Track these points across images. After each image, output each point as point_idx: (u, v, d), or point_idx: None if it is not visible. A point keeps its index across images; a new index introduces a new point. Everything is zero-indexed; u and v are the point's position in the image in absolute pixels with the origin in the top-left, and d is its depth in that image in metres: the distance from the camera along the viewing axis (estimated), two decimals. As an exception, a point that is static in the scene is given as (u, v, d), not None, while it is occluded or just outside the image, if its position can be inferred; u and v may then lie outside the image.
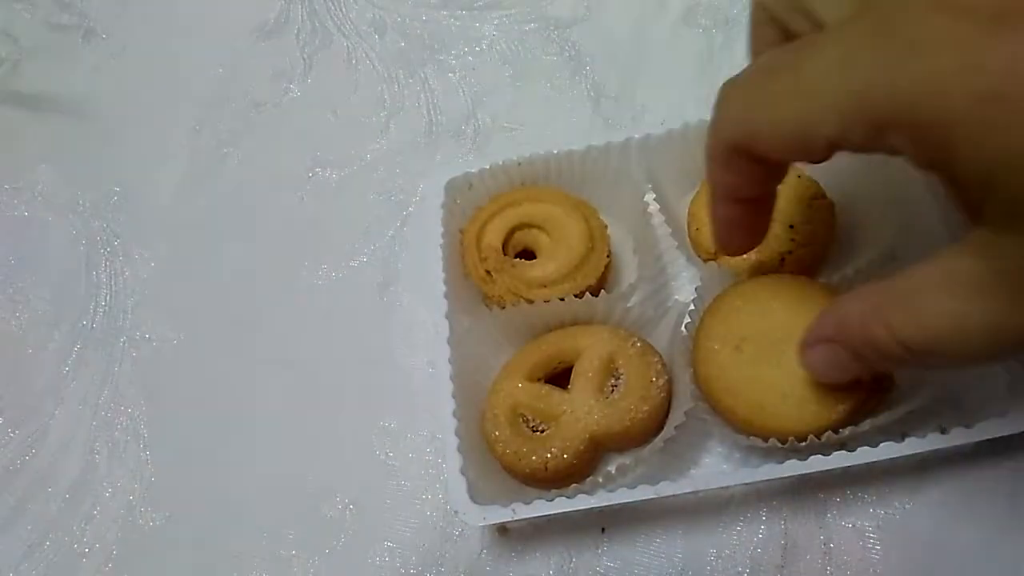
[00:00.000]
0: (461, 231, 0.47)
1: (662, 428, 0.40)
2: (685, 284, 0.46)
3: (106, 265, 0.57)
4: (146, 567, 0.46)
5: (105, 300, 0.55)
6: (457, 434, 0.40)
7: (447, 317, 0.43)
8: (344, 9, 0.64)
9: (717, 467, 0.41)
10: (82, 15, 0.69)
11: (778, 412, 0.37)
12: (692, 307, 0.42)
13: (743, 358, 0.38)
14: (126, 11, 0.68)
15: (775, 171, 0.32)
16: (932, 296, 0.26)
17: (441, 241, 0.46)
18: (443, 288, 0.44)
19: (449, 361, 0.42)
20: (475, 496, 0.39)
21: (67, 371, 0.53)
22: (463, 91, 0.59)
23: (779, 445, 0.37)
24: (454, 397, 0.41)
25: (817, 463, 0.36)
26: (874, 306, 0.28)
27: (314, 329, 0.51)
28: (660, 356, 0.42)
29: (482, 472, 0.41)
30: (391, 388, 0.48)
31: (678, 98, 0.55)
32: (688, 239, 0.46)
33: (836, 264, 0.44)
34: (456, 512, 0.38)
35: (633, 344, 0.41)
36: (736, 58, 0.56)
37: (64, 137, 0.63)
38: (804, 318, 0.34)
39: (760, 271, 0.42)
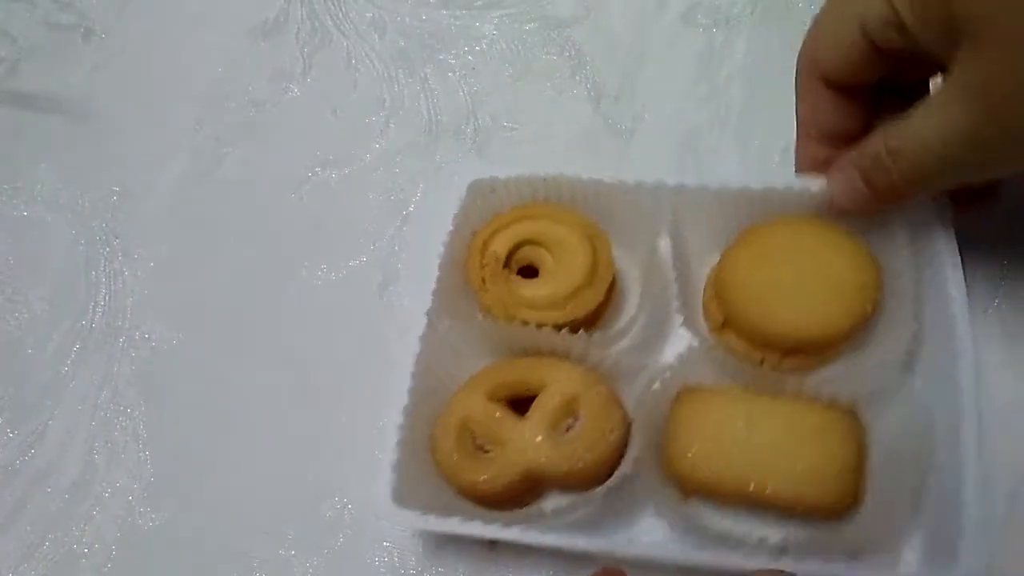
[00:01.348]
0: (474, 233, 0.47)
1: (607, 479, 0.39)
2: (673, 345, 0.45)
3: (105, 265, 0.57)
4: (145, 567, 0.46)
5: (104, 300, 0.55)
6: (400, 429, 0.40)
7: (427, 314, 0.43)
8: (344, 9, 0.64)
9: (649, 532, 0.40)
10: (81, 15, 0.69)
11: (786, 316, 0.40)
12: (668, 373, 0.42)
13: (763, 270, 0.41)
14: (126, 11, 0.68)
15: (848, 103, 0.40)
16: (919, 114, 0.33)
17: (446, 239, 0.45)
18: (433, 285, 0.44)
19: (416, 357, 0.42)
20: (404, 495, 0.39)
21: (66, 371, 0.53)
22: (463, 91, 0.59)
23: (717, 526, 0.39)
24: (409, 393, 0.41)
25: (748, 557, 0.36)
26: (880, 132, 0.36)
27: (313, 329, 0.51)
28: (623, 410, 0.41)
29: (425, 473, 0.41)
30: (391, 388, 0.48)
31: (678, 98, 0.56)
32: (701, 304, 0.46)
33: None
34: (375, 507, 0.39)
35: (599, 391, 0.41)
36: (736, 58, 0.56)
37: (64, 137, 0.63)
38: (823, 245, 0.41)
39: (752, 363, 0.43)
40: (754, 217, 0.45)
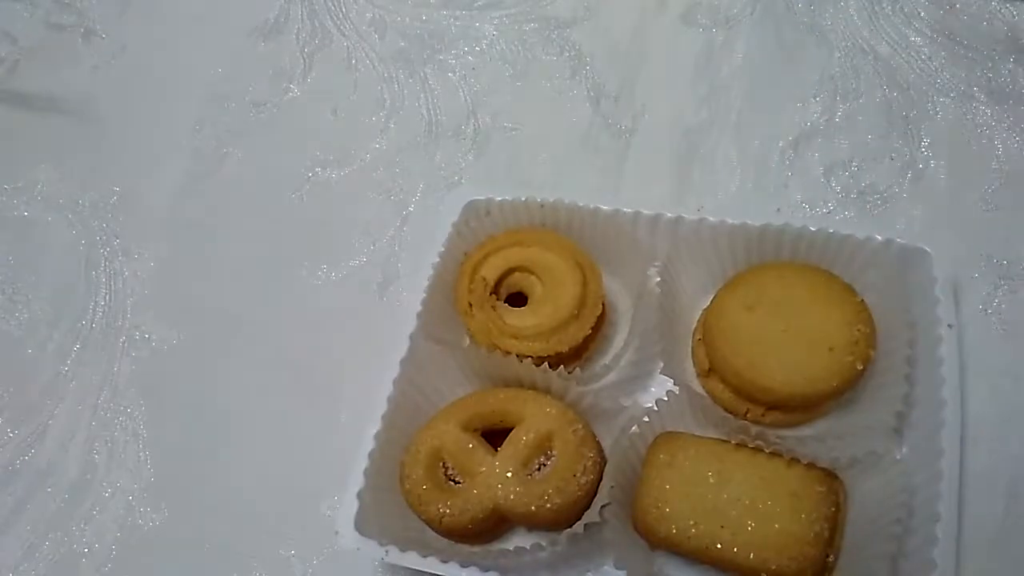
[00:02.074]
0: (466, 254, 0.46)
1: (575, 522, 0.39)
2: (657, 388, 0.44)
3: (105, 265, 0.57)
4: (145, 567, 0.46)
5: (104, 300, 0.55)
6: (370, 456, 0.40)
7: (411, 337, 0.43)
8: (344, 9, 0.64)
9: None
10: (82, 15, 0.69)
11: (772, 370, 0.39)
12: (647, 418, 0.41)
13: (752, 318, 0.40)
14: (126, 11, 0.68)
15: None
16: None
17: (436, 260, 0.45)
18: (419, 308, 0.44)
19: (394, 382, 0.42)
20: (369, 522, 0.38)
21: (66, 371, 0.53)
22: (463, 91, 0.59)
23: None
24: (383, 419, 0.41)
25: None
26: None
27: (313, 329, 0.51)
28: (596, 451, 0.40)
29: (394, 500, 0.40)
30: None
31: (678, 98, 0.56)
32: (690, 346, 0.45)
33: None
34: (336, 532, 0.38)
35: (575, 430, 0.40)
36: (736, 58, 0.57)
37: (64, 137, 0.63)
38: (816, 297, 0.39)
39: (735, 413, 0.42)
40: (751, 255, 0.44)
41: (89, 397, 0.52)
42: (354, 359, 0.50)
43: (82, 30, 0.68)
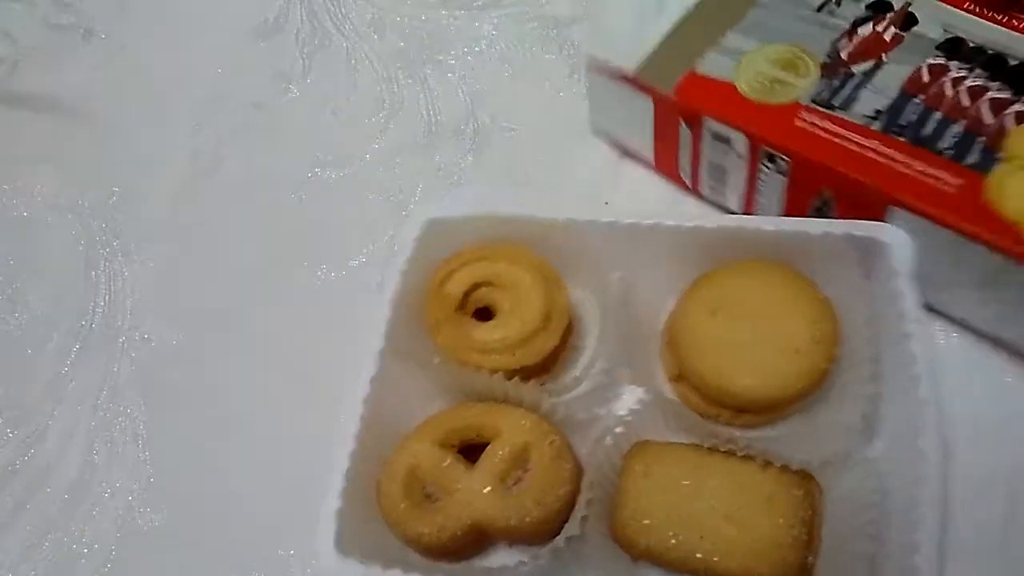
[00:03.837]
0: (432, 271, 0.46)
1: (555, 535, 0.38)
2: (629, 395, 0.44)
3: (105, 265, 0.57)
4: (145, 567, 0.46)
5: (104, 300, 0.55)
6: (346, 477, 0.39)
7: (379, 355, 0.43)
8: (343, 9, 0.64)
9: None
10: (81, 15, 0.69)
11: (739, 374, 0.39)
12: (620, 428, 0.41)
13: (716, 322, 0.40)
14: (126, 11, 0.68)
15: None
16: None
17: (397, 278, 0.45)
18: (384, 327, 0.43)
19: (364, 401, 0.42)
20: (349, 542, 0.38)
21: (66, 371, 0.53)
22: (462, 91, 0.59)
23: None
24: (356, 438, 0.41)
25: None
26: None
27: (313, 329, 0.51)
28: (573, 462, 0.40)
29: (372, 520, 0.40)
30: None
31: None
32: (658, 351, 0.45)
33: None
34: (317, 553, 0.38)
35: (551, 442, 0.39)
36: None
37: (64, 137, 0.63)
38: (779, 297, 0.39)
39: (706, 417, 0.42)
40: (712, 256, 0.43)
41: (89, 397, 0.52)
42: (353, 358, 0.50)
43: (82, 30, 0.68)
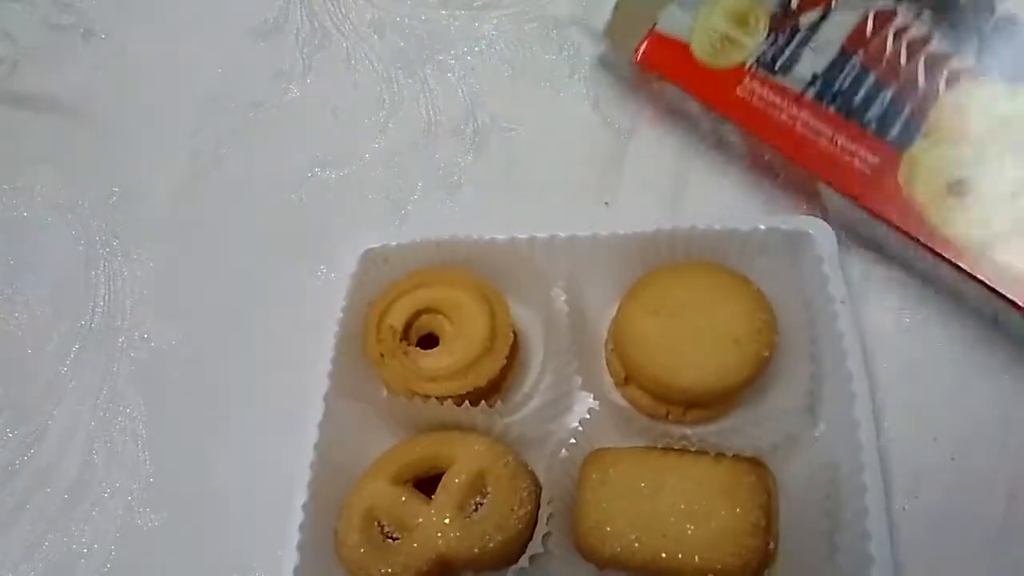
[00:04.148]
0: (370, 304, 0.46)
1: (520, 555, 0.38)
2: (579, 406, 0.44)
3: (105, 265, 0.57)
4: (145, 567, 0.46)
5: (104, 300, 0.55)
6: (301, 529, 0.40)
7: (325, 399, 0.43)
8: (343, 9, 0.64)
9: None
10: (81, 15, 0.69)
11: (684, 370, 0.40)
12: (573, 440, 0.41)
13: (658, 322, 0.41)
14: (126, 11, 0.68)
15: None
16: None
17: (340, 315, 0.45)
18: (329, 367, 0.44)
19: (315, 447, 0.42)
20: None
21: (66, 371, 0.53)
22: (462, 91, 0.59)
23: None
24: (310, 487, 0.41)
25: None
26: None
27: (313, 329, 0.51)
28: (530, 480, 0.40)
29: (331, 568, 0.40)
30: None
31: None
32: (604, 359, 0.46)
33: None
34: None
35: (506, 463, 0.39)
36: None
37: (63, 137, 0.63)
38: (716, 293, 0.41)
39: (656, 417, 0.43)
40: (651, 262, 0.44)
41: (89, 397, 0.52)
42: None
43: (82, 30, 0.68)
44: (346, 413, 0.44)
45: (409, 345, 0.44)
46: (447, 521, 0.38)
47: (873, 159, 0.43)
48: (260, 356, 0.51)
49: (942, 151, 0.42)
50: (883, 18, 0.45)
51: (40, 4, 0.70)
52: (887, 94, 0.44)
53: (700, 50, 0.47)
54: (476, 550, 0.37)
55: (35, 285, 0.57)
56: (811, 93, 0.45)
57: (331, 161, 0.58)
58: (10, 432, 0.52)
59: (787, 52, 0.46)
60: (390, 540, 0.39)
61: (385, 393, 0.44)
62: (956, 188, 0.41)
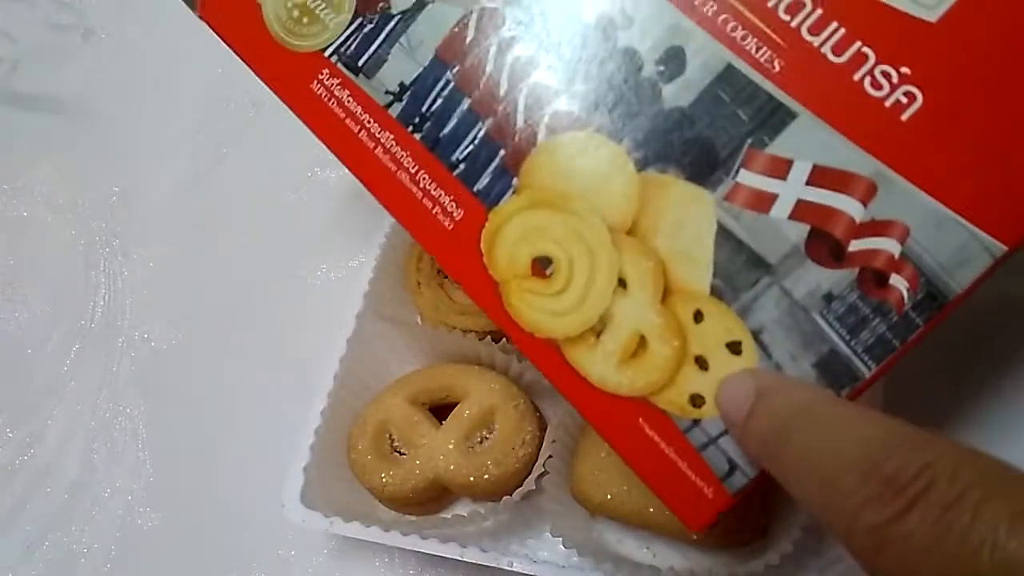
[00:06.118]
0: None
1: (513, 491, 0.39)
2: None
3: (105, 265, 0.57)
4: (145, 567, 0.46)
5: (104, 300, 0.55)
6: (316, 432, 0.41)
7: (357, 316, 0.44)
8: (344, 9, 0.64)
9: (552, 548, 0.40)
10: (81, 15, 0.69)
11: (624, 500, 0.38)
12: None
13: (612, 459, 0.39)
14: (126, 11, 0.68)
15: None
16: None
17: (383, 241, 0.46)
18: (366, 287, 0.45)
19: (341, 360, 0.43)
20: (316, 496, 0.40)
21: (66, 371, 0.53)
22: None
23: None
24: (330, 396, 0.42)
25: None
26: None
27: (312, 329, 0.51)
28: (536, 425, 0.41)
29: (340, 473, 0.42)
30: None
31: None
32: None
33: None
34: (283, 505, 0.40)
35: (516, 405, 0.41)
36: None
37: (64, 137, 0.63)
38: None
39: None
40: None
41: (88, 397, 0.52)
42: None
43: (82, 30, 0.68)
44: (375, 334, 0.45)
45: (445, 278, 0.46)
46: (450, 447, 0.40)
47: (457, 212, 0.31)
48: (260, 356, 0.51)
49: (533, 216, 0.30)
50: (489, 22, 0.31)
51: (40, 4, 0.70)
52: (480, 129, 0.31)
53: (274, 17, 0.35)
54: (471, 478, 0.39)
55: (35, 285, 0.57)
56: (396, 110, 0.32)
57: (331, 161, 0.57)
58: (10, 432, 0.52)
59: (374, 47, 0.33)
60: (397, 454, 0.41)
61: (419, 320, 0.45)
62: (541, 265, 0.30)
